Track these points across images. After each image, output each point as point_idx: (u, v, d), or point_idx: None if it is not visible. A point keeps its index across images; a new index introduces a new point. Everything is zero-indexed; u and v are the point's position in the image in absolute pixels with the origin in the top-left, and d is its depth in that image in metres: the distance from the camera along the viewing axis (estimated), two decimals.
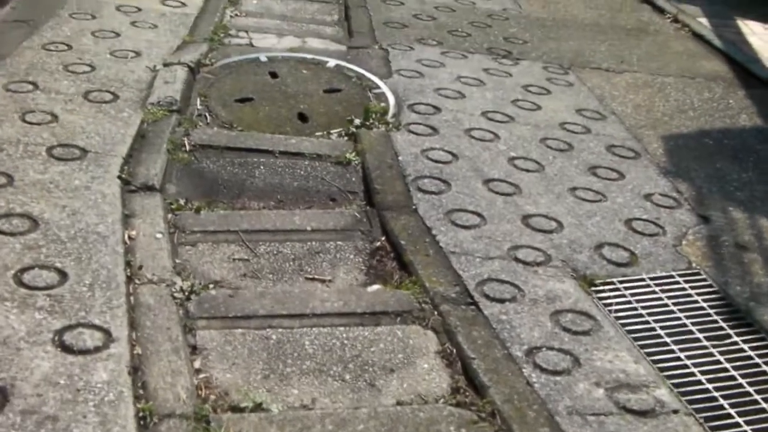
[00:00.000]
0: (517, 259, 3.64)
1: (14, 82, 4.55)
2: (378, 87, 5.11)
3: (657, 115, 5.53)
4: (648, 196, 4.40)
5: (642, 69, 6.42)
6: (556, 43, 6.72)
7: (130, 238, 3.42)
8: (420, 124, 4.75)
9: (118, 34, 5.44)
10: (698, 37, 7.59)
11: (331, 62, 5.37)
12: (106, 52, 5.12)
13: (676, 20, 8.05)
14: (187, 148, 4.17)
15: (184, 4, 6.27)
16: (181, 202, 3.78)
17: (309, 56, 5.41)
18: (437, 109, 4.98)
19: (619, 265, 3.76)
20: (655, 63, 6.63)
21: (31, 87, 4.51)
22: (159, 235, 3.47)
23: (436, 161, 4.35)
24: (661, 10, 8.36)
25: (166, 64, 4.92)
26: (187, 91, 4.71)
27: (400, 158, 4.31)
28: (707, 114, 5.71)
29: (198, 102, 4.69)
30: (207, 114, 4.60)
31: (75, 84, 4.61)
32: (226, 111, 4.60)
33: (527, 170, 4.44)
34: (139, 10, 5.98)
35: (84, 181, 3.69)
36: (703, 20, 8.15)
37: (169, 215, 3.67)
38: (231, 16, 6.22)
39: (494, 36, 6.62)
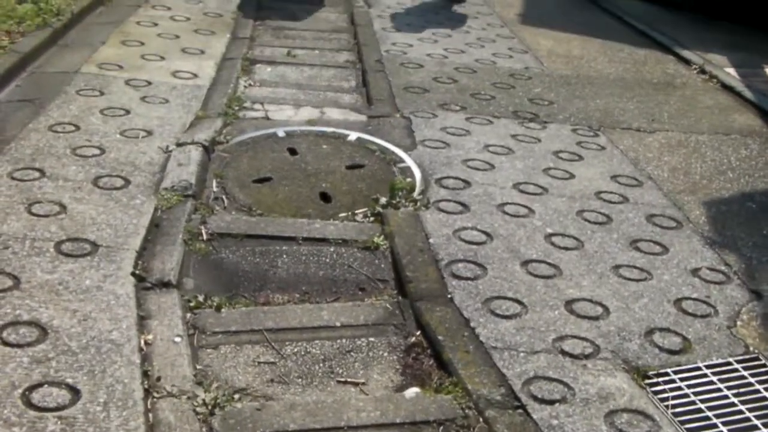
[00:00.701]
0: (563, 352, 3.41)
1: (20, 170, 4.39)
2: (402, 160, 4.92)
3: (695, 178, 5.32)
4: (695, 271, 4.17)
5: (674, 127, 6.23)
6: (583, 102, 6.54)
7: (146, 343, 3.21)
8: (449, 200, 4.55)
9: (128, 112, 5.27)
10: (727, 88, 7.42)
11: (352, 135, 5.19)
12: (116, 131, 4.95)
13: (702, 71, 7.89)
14: (205, 237, 3.98)
15: (195, 75, 6.13)
16: (200, 298, 3.57)
17: (329, 129, 5.23)
18: (466, 182, 4.78)
19: (672, 352, 3.53)
20: (687, 120, 6.44)
21: (37, 174, 4.34)
22: (177, 339, 3.26)
23: (470, 242, 4.14)
24: (686, 62, 8.20)
25: (179, 144, 4.75)
26: (202, 172, 4.53)
27: (431, 241, 4.10)
28: (747, 174, 5.49)
29: (214, 184, 4.51)
30: (224, 197, 4.41)
31: (84, 169, 4.43)
32: (243, 193, 4.41)
33: (566, 248, 4.22)
34: (149, 83, 5.83)
35: (95, 281, 3.48)
36: (731, 70, 7.99)
37: (188, 314, 3.46)
38: (245, 87, 6.07)
39: (518, 98, 6.45)
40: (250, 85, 6.17)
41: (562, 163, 5.26)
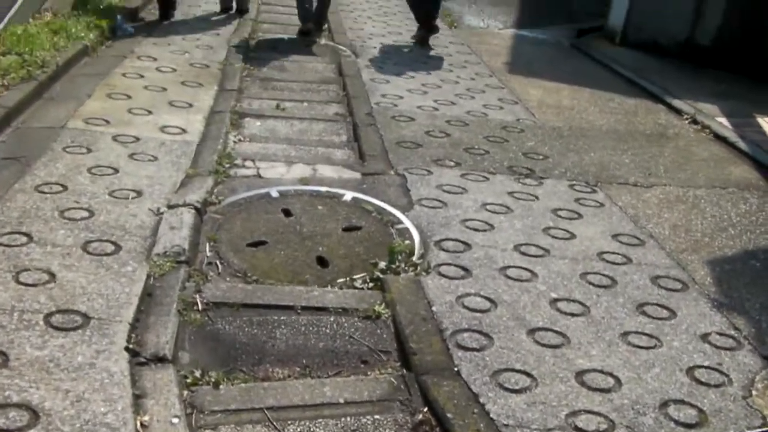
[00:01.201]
0: (578, 429, 3.30)
1: (6, 234, 4.24)
2: (400, 221, 4.82)
3: (697, 236, 5.25)
4: (705, 337, 4.08)
5: (671, 181, 6.17)
6: (578, 156, 6.47)
7: (142, 425, 3.07)
8: (450, 264, 4.44)
9: (116, 170, 5.15)
10: (721, 139, 7.41)
11: (348, 195, 5.09)
12: (105, 192, 4.82)
13: (694, 121, 7.88)
14: (200, 307, 3.84)
15: (184, 131, 6.02)
16: (197, 374, 3.43)
17: (323, 189, 5.13)
18: (466, 245, 4.68)
19: (688, 426, 3.44)
20: (683, 173, 6.38)
21: (25, 239, 4.20)
22: (175, 420, 3.12)
23: (474, 310, 4.03)
24: (677, 111, 8.20)
25: (170, 206, 4.62)
26: (195, 236, 4.40)
27: (434, 309, 3.98)
28: (748, 230, 5.44)
29: (207, 248, 4.38)
30: (218, 262, 4.28)
31: (73, 233, 4.29)
32: (238, 258, 4.28)
33: (572, 314, 4.12)
34: (137, 139, 5.72)
35: (88, 357, 3.34)
36: (723, 120, 7.98)
37: (185, 392, 3.32)
38: (235, 142, 5.96)
39: (513, 152, 6.38)
40: (240, 140, 6.06)
41: (562, 222, 5.17)
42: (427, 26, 9.96)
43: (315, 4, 9.59)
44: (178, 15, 10.10)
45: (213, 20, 10.05)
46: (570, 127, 7.25)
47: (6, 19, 7.55)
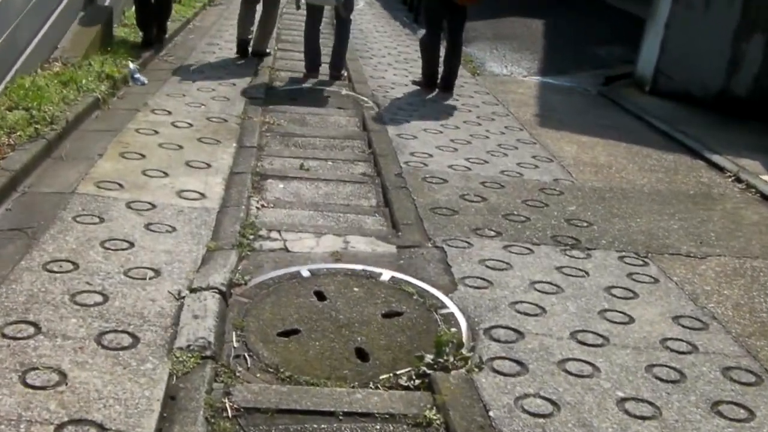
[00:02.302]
0: None
1: (11, 324, 3.86)
2: (444, 305, 4.43)
3: (762, 317, 4.86)
4: None
5: (725, 251, 5.79)
6: (623, 222, 6.08)
7: None
8: (504, 358, 4.04)
9: (131, 244, 4.76)
10: None
11: (385, 274, 4.69)
12: (120, 270, 4.43)
13: (738, 179, 7.52)
14: (230, 413, 3.45)
15: (203, 195, 5.65)
16: None
17: (358, 268, 4.74)
18: (519, 333, 4.28)
19: None
20: (736, 241, 6.00)
21: (32, 330, 3.81)
22: None
23: (535, 414, 3.63)
24: (718, 168, 7.85)
25: (192, 290, 4.23)
26: (221, 325, 4.01)
27: (491, 414, 3.58)
28: None
29: (234, 338, 3.98)
30: (246, 355, 3.89)
31: (85, 323, 3.89)
32: (268, 350, 3.88)
33: (643, 417, 3.73)
34: (153, 206, 5.34)
35: None
36: (767, 177, 7.59)
37: None
38: (258, 208, 5.59)
39: (554, 218, 5.99)
40: (263, 206, 5.68)
41: (618, 303, 4.77)
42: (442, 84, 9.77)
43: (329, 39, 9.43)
44: (193, 62, 9.79)
45: (228, 68, 9.74)
46: (610, 188, 6.86)
47: (13, 71, 7.21)
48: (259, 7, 10.17)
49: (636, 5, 15.28)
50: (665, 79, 10.75)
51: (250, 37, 10.22)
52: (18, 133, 6.14)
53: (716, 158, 8.18)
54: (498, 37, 13.73)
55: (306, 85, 9.42)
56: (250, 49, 10.18)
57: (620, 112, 10.18)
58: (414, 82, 9.85)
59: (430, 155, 7.14)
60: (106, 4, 10.23)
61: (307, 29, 9.56)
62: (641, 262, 5.44)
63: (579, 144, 8.16)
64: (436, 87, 9.80)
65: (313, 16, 9.45)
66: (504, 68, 12.21)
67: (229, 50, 10.91)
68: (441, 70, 9.65)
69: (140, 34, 10.07)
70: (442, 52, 9.65)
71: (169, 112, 7.50)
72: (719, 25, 10.09)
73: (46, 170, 5.88)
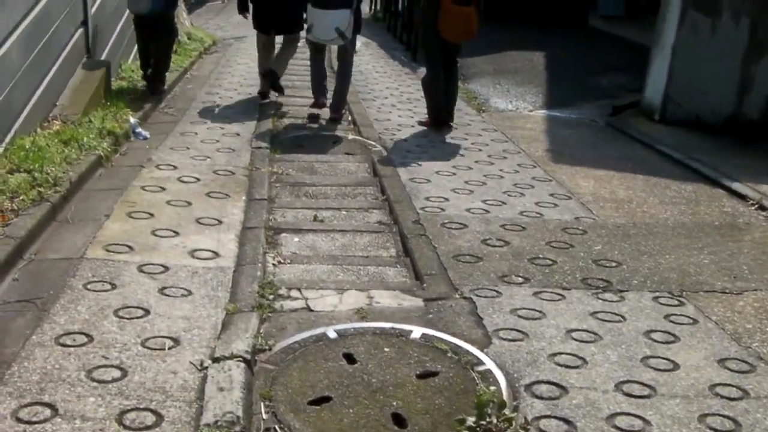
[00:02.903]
0: None
1: (26, 406, 3.66)
2: (480, 362, 4.22)
3: None
4: None
5: (761, 284, 5.62)
6: (652, 259, 5.88)
7: None
8: (550, 416, 3.83)
9: (147, 311, 4.56)
10: None
11: (415, 331, 4.49)
12: (137, 341, 4.23)
13: (761, 207, 7.38)
14: None
15: (216, 254, 5.45)
16: None
17: (387, 326, 4.54)
18: (562, 388, 4.06)
19: None
20: None
21: (48, 412, 3.61)
22: None
23: None
24: (740, 196, 7.68)
25: (215, 359, 4.02)
26: (248, 396, 3.81)
27: None
28: None
29: (263, 409, 3.78)
30: (277, 427, 3.69)
31: (104, 401, 3.69)
32: (300, 420, 3.66)
33: None
34: (166, 269, 5.14)
35: None
36: None
37: None
38: (274, 265, 5.39)
39: (582, 260, 5.78)
40: (279, 262, 5.47)
41: (659, 348, 4.56)
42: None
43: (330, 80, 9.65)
44: (194, 113, 9.64)
45: (231, 117, 9.59)
46: (634, 223, 6.66)
47: (12, 132, 7.04)
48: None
49: (635, 31, 15.23)
50: (674, 106, 10.61)
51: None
52: (21, 197, 5.96)
53: (736, 186, 8.01)
54: (499, 72, 13.60)
55: (311, 128, 9.24)
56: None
57: (631, 142, 10.02)
58: (420, 123, 9.74)
59: (446, 199, 6.94)
60: (103, 57, 10.08)
61: (312, 63, 9.84)
62: (677, 302, 5.23)
63: (595, 179, 7.98)
64: (441, 125, 9.79)
65: (318, 52, 9.74)
66: (509, 103, 12.07)
67: (229, 99, 10.79)
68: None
69: (142, 77, 9.96)
70: None
71: (175, 167, 7.31)
72: (727, 48, 9.96)
73: (51, 235, 5.69)
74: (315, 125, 9.66)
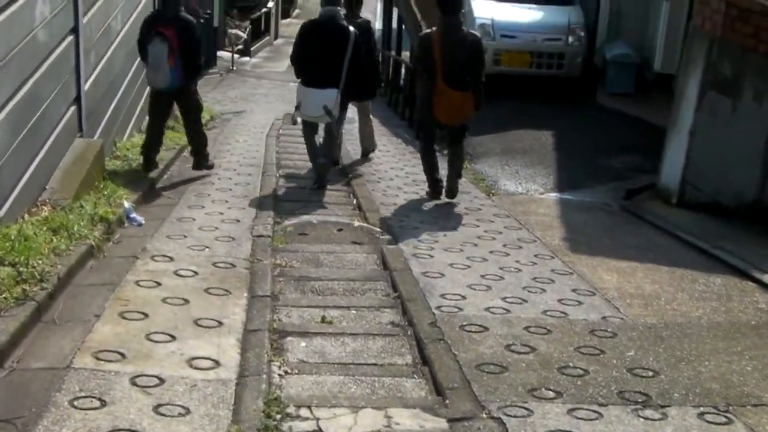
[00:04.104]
0: None
1: None
2: None
3: None
4: None
5: None
6: (691, 367, 5.47)
7: None
8: None
9: None
10: None
11: None
12: None
13: None
14: None
15: (217, 363, 5.04)
16: None
17: None
18: None
19: None
20: None
21: None
22: None
23: None
24: None
25: None
26: None
27: None
28: None
29: None
30: None
31: None
32: None
33: None
34: (162, 381, 4.70)
35: None
36: None
37: None
38: (281, 375, 4.97)
39: (615, 368, 5.36)
40: (286, 372, 5.05)
41: None
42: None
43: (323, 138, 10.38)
44: (191, 196, 9.28)
45: (230, 201, 9.23)
46: (665, 323, 6.25)
47: None
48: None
49: (645, 109, 15.00)
50: (692, 190, 10.28)
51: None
52: (4, 295, 5.54)
53: (767, 278, 7.60)
54: (507, 152, 13.30)
55: (314, 217, 8.85)
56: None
57: (649, 228, 9.67)
58: (427, 194, 10.10)
59: (463, 297, 6.52)
60: (97, 136, 9.72)
61: (305, 134, 10.51)
62: (724, 419, 4.81)
63: (618, 271, 7.58)
64: (440, 194, 10.00)
65: (309, 127, 10.39)
66: (519, 186, 11.74)
67: (228, 180, 10.45)
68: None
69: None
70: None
71: (171, 258, 6.89)
72: (748, 129, 9.66)
73: (36, 338, 5.27)
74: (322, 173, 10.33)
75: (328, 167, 10.33)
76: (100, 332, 5.41)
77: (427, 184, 10.18)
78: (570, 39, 16.52)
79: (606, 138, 14.11)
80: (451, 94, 9.44)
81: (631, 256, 8.23)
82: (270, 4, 35.22)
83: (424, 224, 8.85)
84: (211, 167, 10.36)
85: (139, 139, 11.23)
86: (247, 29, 30.14)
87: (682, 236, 9.22)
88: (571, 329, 6.05)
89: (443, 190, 9.99)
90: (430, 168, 9.96)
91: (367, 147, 12.26)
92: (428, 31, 10.42)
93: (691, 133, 10.17)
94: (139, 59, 11.03)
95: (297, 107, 9.95)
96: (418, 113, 10.68)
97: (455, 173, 9.99)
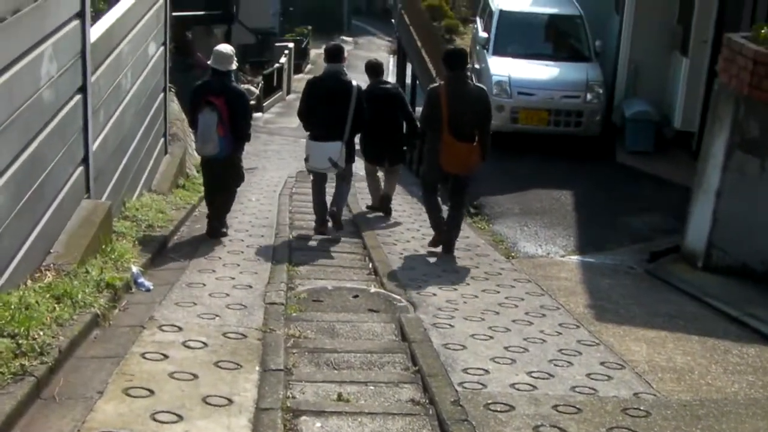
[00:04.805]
0: None
1: None
2: None
3: None
4: None
5: None
6: None
7: None
8: None
9: None
10: None
11: None
12: None
13: None
14: None
15: (230, 401, 4.70)
16: None
17: None
18: None
19: None
20: None
21: None
22: None
23: None
24: None
25: None
26: None
27: None
28: None
29: None
30: None
31: None
32: None
33: None
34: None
35: None
36: None
37: None
38: None
39: None
40: None
41: None
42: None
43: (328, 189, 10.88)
44: (202, 258, 9.03)
45: (242, 265, 8.95)
46: (701, 401, 5.93)
47: None
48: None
49: (665, 167, 14.76)
50: (719, 254, 9.97)
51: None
52: (1, 370, 5.25)
53: None
54: (526, 213, 13.03)
55: (329, 283, 8.57)
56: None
57: (677, 294, 9.35)
58: (432, 239, 10.42)
59: (487, 371, 6.20)
60: (105, 197, 9.49)
61: (313, 188, 10.94)
62: None
63: (647, 341, 7.26)
64: (440, 244, 10.25)
65: (318, 178, 10.88)
66: (539, 248, 11.45)
67: (240, 241, 10.20)
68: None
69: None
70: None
71: (180, 328, 6.60)
72: None
73: (34, 417, 4.99)
74: (321, 236, 10.75)
75: (335, 215, 10.72)
76: (102, 411, 5.12)
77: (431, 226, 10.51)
78: (588, 96, 16.30)
79: (626, 197, 13.85)
80: (458, 146, 9.74)
81: (659, 325, 7.91)
82: (282, 60, 35.34)
83: (443, 290, 8.55)
84: (225, 235, 10.15)
85: (149, 198, 11.00)
86: (260, 84, 30.15)
87: (711, 302, 8.92)
88: (601, 408, 5.73)
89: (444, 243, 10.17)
90: (433, 213, 10.49)
91: (388, 192, 12.55)
92: (435, 84, 10.92)
93: (717, 194, 9.88)
94: (150, 117, 10.85)
95: (306, 159, 10.62)
96: (424, 163, 10.63)
97: (455, 224, 10.29)
